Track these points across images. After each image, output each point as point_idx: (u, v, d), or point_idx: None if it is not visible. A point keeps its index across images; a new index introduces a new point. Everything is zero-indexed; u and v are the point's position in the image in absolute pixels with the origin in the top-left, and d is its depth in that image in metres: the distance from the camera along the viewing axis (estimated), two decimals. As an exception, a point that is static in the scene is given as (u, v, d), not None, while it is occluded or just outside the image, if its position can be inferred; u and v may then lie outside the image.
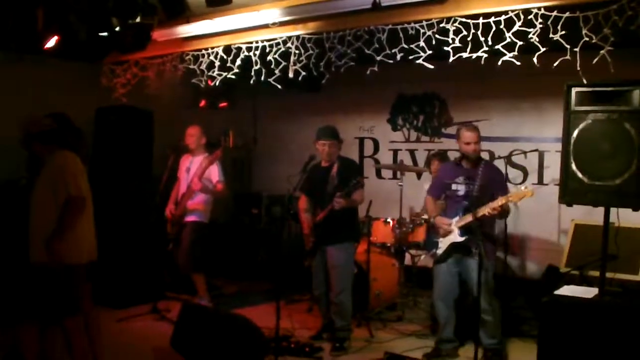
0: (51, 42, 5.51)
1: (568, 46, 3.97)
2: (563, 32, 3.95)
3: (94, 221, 4.59)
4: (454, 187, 5.27)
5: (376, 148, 8.79)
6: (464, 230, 5.11)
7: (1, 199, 5.76)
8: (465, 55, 4.39)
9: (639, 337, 3.51)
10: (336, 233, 5.57)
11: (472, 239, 5.03)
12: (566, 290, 4.10)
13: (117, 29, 5.34)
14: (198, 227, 6.64)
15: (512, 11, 4.15)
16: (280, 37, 5.26)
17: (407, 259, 7.07)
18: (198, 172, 6.38)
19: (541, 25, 4.03)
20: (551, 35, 4.00)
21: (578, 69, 3.92)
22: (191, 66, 5.91)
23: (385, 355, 5.04)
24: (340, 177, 5.55)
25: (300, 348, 5.48)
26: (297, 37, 5.19)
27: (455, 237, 5.17)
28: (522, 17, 4.11)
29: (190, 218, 6.61)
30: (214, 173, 6.49)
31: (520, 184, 7.24)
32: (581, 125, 3.75)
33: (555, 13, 3.98)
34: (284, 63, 5.26)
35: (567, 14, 3.93)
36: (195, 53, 5.90)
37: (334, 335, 5.68)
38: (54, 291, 4.18)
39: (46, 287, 4.18)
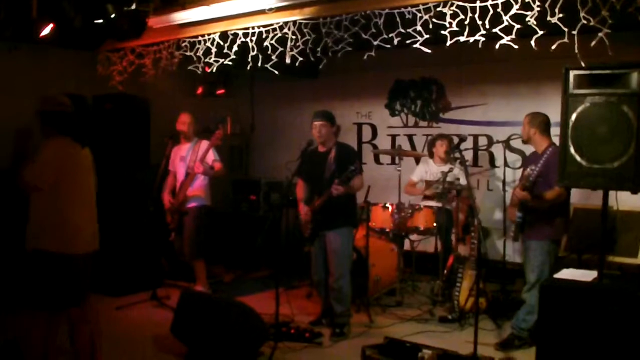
0: (46, 31, 5.48)
1: (566, 29, 3.94)
2: (561, 15, 3.92)
3: (95, 210, 4.55)
4: (527, 173, 5.32)
5: (374, 133, 8.78)
6: (521, 212, 5.24)
7: (2, 188, 5.75)
8: (462, 39, 4.36)
9: (637, 321, 3.52)
10: (334, 219, 5.57)
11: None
12: (565, 273, 4.10)
13: (113, 16, 5.31)
14: (200, 213, 6.66)
15: (510, -6, 4.12)
16: (277, 23, 5.22)
17: (406, 244, 7.09)
18: (199, 156, 6.40)
19: (539, 8, 3.99)
20: (549, 18, 3.97)
21: (576, 52, 3.89)
22: (188, 53, 5.87)
23: (385, 340, 5.04)
24: (338, 163, 5.54)
25: (300, 334, 5.50)
26: (294, 22, 5.16)
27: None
28: (519, 0, 4.08)
29: (191, 204, 6.62)
30: (209, 155, 6.51)
31: (518, 168, 7.27)
32: (579, 109, 3.73)
33: (553, -5, 3.96)
34: (280, 49, 5.24)
35: (565, -4, 3.91)
36: (192, 40, 5.86)
37: (334, 321, 5.69)
38: (58, 280, 4.16)
39: (49, 276, 4.17)
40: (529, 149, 7.20)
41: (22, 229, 4.25)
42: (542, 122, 5.33)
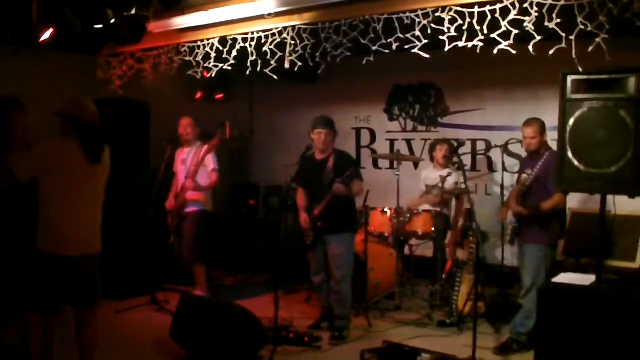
0: (46, 35, 5.49)
1: (564, 34, 3.96)
2: (558, 21, 3.94)
3: (88, 213, 4.52)
4: (523, 178, 5.38)
5: (373, 138, 8.80)
6: (516, 217, 5.34)
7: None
8: (461, 44, 4.38)
9: (635, 325, 3.54)
10: (335, 224, 5.58)
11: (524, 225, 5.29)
12: (563, 278, 4.12)
13: (112, 21, 5.33)
14: (200, 217, 6.67)
15: (508, 0, 4.15)
16: (276, 28, 5.24)
17: (405, 249, 7.09)
18: (195, 162, 6.43)
19: (536, 14, 4.01)
20: (547, 24, 3.99)
21: (574, 57, 3.91)
22: (187, 58, 5.89)
23: (384, 344, 5.05)
24: (336, 171, 5.54)
25: (299, 337, 5.51)
26: (293, 27, 5.18)
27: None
28: (517, 5, 4.09)
29: (191, 209, 6.64)
30: (209, 161, 6.56)
31: (516, 172, 7.28)
32: (577, 114, 3.75)
33: (550, 1, 3.96)
34: (279, 54, 5.25)
35: (563, 2, 3.92)
36: (191, 44, 5.87)
37: (333, 325, 5.70)
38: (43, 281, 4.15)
39: (38, 276, 4.15)
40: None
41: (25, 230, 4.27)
42: (545, 127, 5.35)
